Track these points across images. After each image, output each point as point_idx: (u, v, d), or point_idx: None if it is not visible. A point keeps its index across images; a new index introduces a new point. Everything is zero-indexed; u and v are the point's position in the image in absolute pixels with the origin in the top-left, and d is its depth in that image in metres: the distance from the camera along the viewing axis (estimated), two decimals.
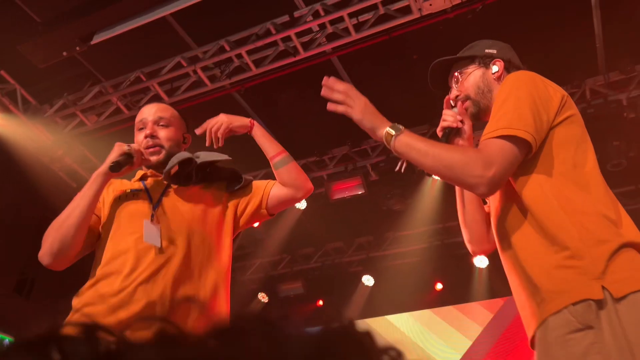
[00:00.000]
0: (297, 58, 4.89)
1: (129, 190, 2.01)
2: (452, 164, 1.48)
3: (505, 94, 1.61)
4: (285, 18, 4.79)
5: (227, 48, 4.97)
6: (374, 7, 4.60)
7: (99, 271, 1.86)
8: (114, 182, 2.07)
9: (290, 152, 2.11)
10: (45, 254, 1.86)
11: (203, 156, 2.04)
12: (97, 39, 4.46)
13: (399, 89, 5.38)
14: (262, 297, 7.81)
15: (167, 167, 1.96)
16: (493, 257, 7.16)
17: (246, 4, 4.79)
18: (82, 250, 1.95)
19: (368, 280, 7.43)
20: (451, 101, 1.95)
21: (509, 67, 1.88)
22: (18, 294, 6.08)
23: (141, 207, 1.94)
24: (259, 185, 2.09)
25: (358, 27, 4.70)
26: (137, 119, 2.10)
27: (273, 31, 4.81)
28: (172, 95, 5.33)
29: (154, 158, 2.02)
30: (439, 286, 7.23)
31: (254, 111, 5.93)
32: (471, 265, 6.84)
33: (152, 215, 1.90)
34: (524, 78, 1.66)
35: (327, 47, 4.94)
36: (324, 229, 7.29)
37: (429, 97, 5.60)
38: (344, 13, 4.58)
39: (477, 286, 6.99)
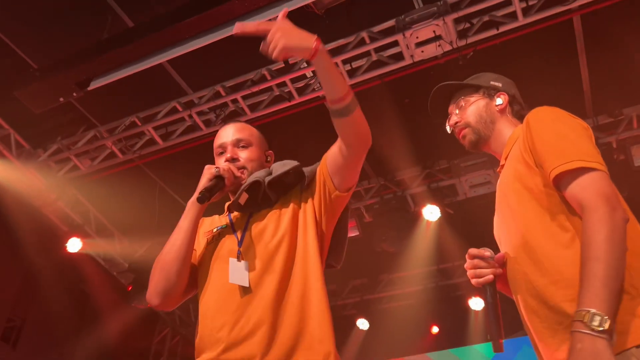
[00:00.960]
0: (292, 103, 4.95)
1: (216, 230, 1.90)
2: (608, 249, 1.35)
3: (551, 128, 1.57)
4: (280, 64, 4.88)
5: (223, 93, 5.03)
6: (367, 53, 4.71)
7: (199, 324, 1.76)
8: (204, 221, 1.96)
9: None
10: (151, 295, 1.77)
11: (275, 169, 1.89)
12: (94, 85, 4.51)
13: (392, 132, 5.45)
14: None
15: (235, 198, 1.83)
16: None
17: (241, 51, 4.87)
18: (189, 287, 1.84)
19: (363, 324, 7.33)
20: (448, 127, 1.96)
21: (512, 102, 1.90)
22: (5, 342, 5.91)
23: (228, 245, 1.81)
24: (318, 168, 1.86)
25: (352, 73, 4.80)
26: (216, 143, 1.97)
27: (268, 77, 4.89)
28: (167, 139, 5.36)
29: (237, 179, 1.88)
30: (435, 329, 7.14)
31: None
32: (467, 308, 6.78)
33: (238, 253, 1.76)
34: (561, 112, 1.63)
35: (321, 92, 5.01)
36: None
37: (420, 140, 5.74)
38: (338, 59, 4.67)
39: (473, 329, 6.92)
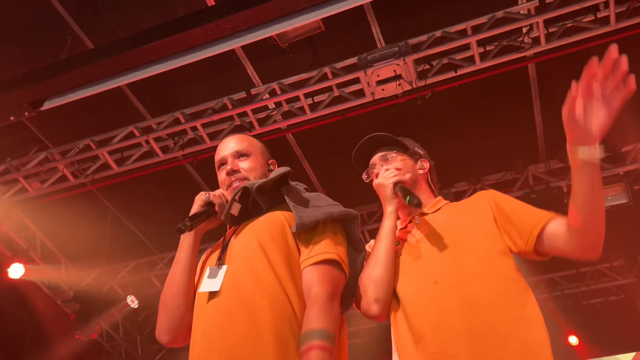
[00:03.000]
0: (253, 133, 4.92)
1: (214, 247, 1.87)
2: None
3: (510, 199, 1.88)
4: (242, 94, 4.87)
5: (182, 120, 4.97)
6: (329, 89, 4.76)
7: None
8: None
9: None
10: (160, 333, 1.73)
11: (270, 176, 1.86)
12: (48, 105, 4.38)
13: (351, 167, 5.47)
14: None
15: (226, 209, 1.77)
16: None
17: (203, 79, 4.86)
18: None
19: None
20: (366, 175, 2.12)
21: (431, 171, 2.11)
22: None
23: (215, 255, 1.78)
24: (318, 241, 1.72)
25: (313, 107, 4.82)
26: (217, 158, 1.94)
27: (229, 106, 4.87)
28: (122, 164, 5.23)
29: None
30: None
31: (205, 183, 5.87)
32: None
33: (219, 258, 1.72)
34: None
35: (283, 124, 5.02)
36: None
37: None
38: (299, 93, 4.70)
39: None
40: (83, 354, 6.61)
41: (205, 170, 5.75)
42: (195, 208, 1.78)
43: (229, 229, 1.89)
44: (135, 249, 6.57)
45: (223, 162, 1.90)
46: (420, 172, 2.05)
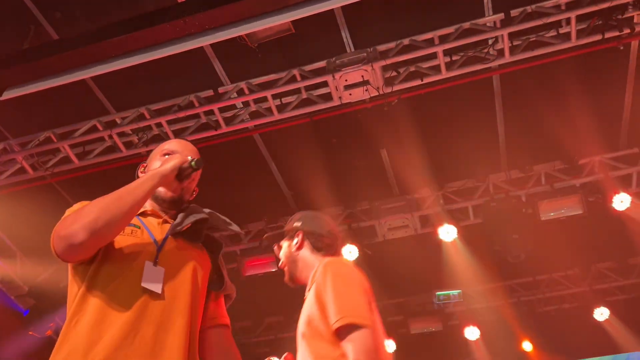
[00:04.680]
0: (219, 132, 4.90)
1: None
2: None
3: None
4: (210, 92, 4.84)
5: (147, 116, 4.91)
6: (297, 91, 4.77)
7: (97, 313, 1.58)
8: None
9: None
10: (82, 230, 1.54)
11: (213, 217, 1.89)
12: (7, 95, 4.26)
13: (317, 170, 5.50)
14: None
15: (181, 223, 1.79)
16: (400, 342, 7.14)
17: (170, 75, 4.81)
18: (100, 249, 1.66)
19: None
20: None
21: (307, 237, 2.23)
22: None
23: (142, 245, 1.72)
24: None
25: (281, 108, 4.83)
26: (165, 147, 1.92)
27: (196, 104, 4.83)
28: (84, 158, 5.13)
29: (175, 189, 1.83)
30: None
31: None
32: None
33: (156, 257, 1.69)
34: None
35: (250, 124, 5.01)
36: (231, 306, 7.04)
37: (344, 180, 5.82)
38: (267, 93, 4.70)
39: None
40: (35, 351, 6.44)
41: None
42: (176, 162, 1.75)
43: (158, 220, 1.84)
44: None
45: (174, 153, 1.88)
46: (294, 246, 2.23)
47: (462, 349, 7.01)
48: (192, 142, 5.40)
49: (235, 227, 1.93)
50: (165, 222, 1.81)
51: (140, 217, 1.80)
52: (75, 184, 5.60)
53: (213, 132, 4.90)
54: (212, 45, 4.52)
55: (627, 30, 4.12)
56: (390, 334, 6.95)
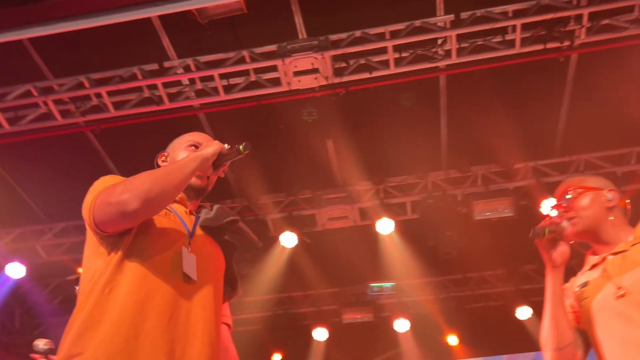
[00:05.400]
0: (161, 108, 4.77)
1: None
2: None
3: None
4: (154, 66, 4.70)
5: (87, 85, 4.71)
6: (245, 72, 4.70)
7: (137, 286, 1.55)
8: None
9: None
10: (137, 198, 1.53)
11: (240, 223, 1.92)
12: None
13: (262, 155, 5.46)
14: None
15: (216, 219, 1.82)
16: (332, 330, 7.25)
17: (114, 44, 4.63)
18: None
19: None
20: None
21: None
22: None
23: (176, 230, 1.72)
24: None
25: (228, 89, 4.75)
26: (189, 138, 1.92)
27: (139, 76, 4.68)
28: (15, 124, 4.88)
29: (203, 181, 1.84)
30: (277, 357, 7.13)
31: (107, 155, 5.62)
32: (310, 338, 6.88)
33: (189, 244, 1.70)
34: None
35: (195, 102, 4.90)
36: None
37: (289, 167, 5.81)
38: (215, 72, 4.61)
39: (314, 359, 7.03)
40: None
41: (108, 141, 5.50)
42: (217, 147, 1.73)
43: (187, 209, 1.83)
44: (22, 216, 6.16)
45: (201, 145, 1.87)
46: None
47: (391, 340, 7.18)
48: (133, 116, 5.26)
49: (253, 238, 1.95)
50: (191, 212, 1.82)
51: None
52: (4, 151, 5.33)
53: (155, 107, 4.77)
54: (160, 17, 4.39)
55: (567, 43, 4.29)
56: (323, 323, 7.03)
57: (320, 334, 6.95)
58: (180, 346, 1.54)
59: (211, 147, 1.73)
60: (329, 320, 7.13)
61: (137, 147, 5.53)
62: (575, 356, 1.83)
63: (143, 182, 1.58)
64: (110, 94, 4.73)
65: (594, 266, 1.92)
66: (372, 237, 6.10)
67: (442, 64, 4.64)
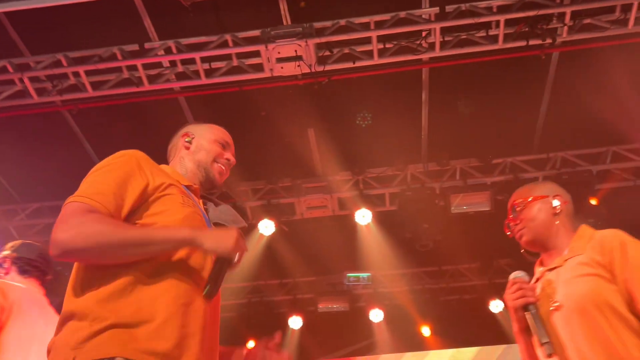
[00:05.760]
0: (141, 89, 4.70)
1: (182, 188, 1.72)
2: None
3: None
4: (135, 46, 4.62)
5: (65, 63, 4.61)
6: (227, 57, 4.65)
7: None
8: (159, 169, 1.71)
9: None
10: (73, 244, 1.40)
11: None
12: None
13: (243, 141, 5.40)
14: None
15: (234, 221, 1.80)
16: (307, 319, 7.26)
17: (95, 23, 4.54)
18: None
19: None
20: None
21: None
22: None
23: (198, 220, 1.66)
24: None
25: (209, 73, 4.69)
26: (223, 136, 1.94)
27: (119, 56, 4.59)
28: None
29: (221, 179, 1.89)
30: (252, 344, 7.13)
31: (84, 135, 5.52)
32: (286, 325, 6.89)
33: None
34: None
35: (175, 85, 4.84)
36: None
37: (269, 155, 5.78)
38: (196, 55, 4.55)
39: (289, 347, 7.04)
40: None
41: (86, 122, 5.40)
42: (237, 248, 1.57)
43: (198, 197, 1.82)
44: None
45: (227, 146, 1.94)
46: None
47: (365, 329, 7.23)
48: (111, 96, 5.15)
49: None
50: (203, 204, 1.82)
51: (187, 188, 1.75)
52: None
53: (135, 89, 4.69)
54: None
55: (549, 40, 4.32)
56: (298, 311, 7.05)
57: (295, 322, 6.97)
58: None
59: (215, 244, 1.52)
60: (305, 309, 7.15)
61: (115, 129, 5.48)
62: None
63: (93, 235, 1.42)
64: (88, 73, 4.64)
65: (537, 280, 1.98)
66: (350, 228, 6.11)
67: (425, 56, 4.64)
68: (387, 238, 6.13)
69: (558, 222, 1.96)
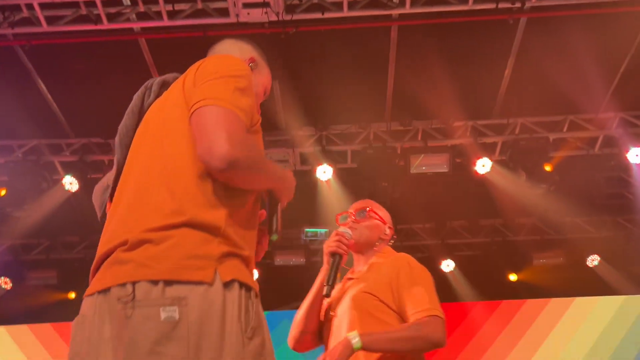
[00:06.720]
0: (99, 27, 4.49)
1: None
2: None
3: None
4: None
5: None
6: None
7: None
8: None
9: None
10: (244, 163, 1.30)
11: None
12: None
13: None
14: (4, 283, 6.92)
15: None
16: (264, 271, 7.31)
17: None
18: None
19: None
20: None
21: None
22: None
23: None
24: None
25: (172, 15, 4.52)
26: (269, 84, 1.82)
27: None
28: None
29: None
30: None
31: (38, 73, 5.27)
32: None
33: None
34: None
35: (136, 25, 4.64)
36: (94, 217, 6.72)
37: None
38: None
39: None
40: None
41: (40, 59, 5.15)
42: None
43: None
44: None
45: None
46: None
47: None
48: (67, 33, 4.93)
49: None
50: None
51: None
52: None
53: (92, 26, 4.48)
54: None
55: (518, 4, 4.33)
56: (256, 264, 7.07)
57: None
58: None
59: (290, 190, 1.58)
60: (261, 261, 7.17)
61: (72, 68, 5.25)
62: (310, 343, 2.29)
63: (257, 162, 1.39)
64: (43, 6, 4.39)
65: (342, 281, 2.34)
66: (311, 183, 6.12)
67: (395, 12, 4.59)
68: (346, 195, 6.17)
69: (377, 245, 2.38)
